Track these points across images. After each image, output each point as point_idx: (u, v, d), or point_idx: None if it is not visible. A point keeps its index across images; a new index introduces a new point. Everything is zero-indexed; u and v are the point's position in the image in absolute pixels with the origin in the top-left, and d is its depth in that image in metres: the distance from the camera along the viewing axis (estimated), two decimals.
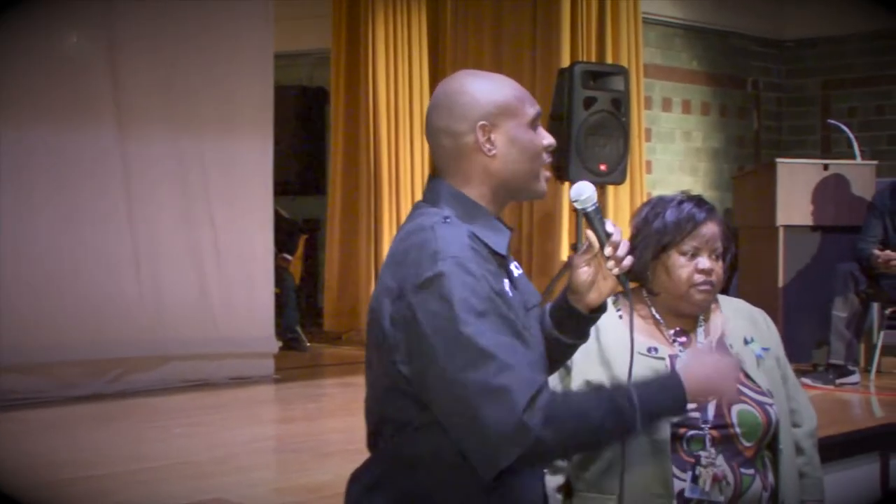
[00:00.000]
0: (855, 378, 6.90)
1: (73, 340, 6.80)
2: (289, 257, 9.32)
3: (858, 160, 8.34)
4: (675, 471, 2.70)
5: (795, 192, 7.46)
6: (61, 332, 6.77)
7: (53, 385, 6.72)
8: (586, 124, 7.37)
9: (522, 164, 2.23)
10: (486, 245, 2.18)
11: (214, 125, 7.46)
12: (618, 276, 2.27)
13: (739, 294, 7.87)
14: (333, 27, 9.21)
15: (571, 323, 2.34)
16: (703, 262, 2.79)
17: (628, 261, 2.26)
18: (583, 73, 7.47)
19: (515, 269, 2.31)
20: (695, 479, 2.70)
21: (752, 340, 2.86)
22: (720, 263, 2.83)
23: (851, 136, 8.62)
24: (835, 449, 4.96)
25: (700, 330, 2.86)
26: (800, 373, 7.18)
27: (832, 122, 9.43)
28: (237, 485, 4.65)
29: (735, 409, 2.74)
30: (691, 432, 2.71)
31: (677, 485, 2.70)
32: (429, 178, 2.31)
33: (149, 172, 7.17)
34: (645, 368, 2.73)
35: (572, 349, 2.41)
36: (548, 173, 2.31)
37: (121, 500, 4.45)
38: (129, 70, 7.10)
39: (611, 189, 8.32)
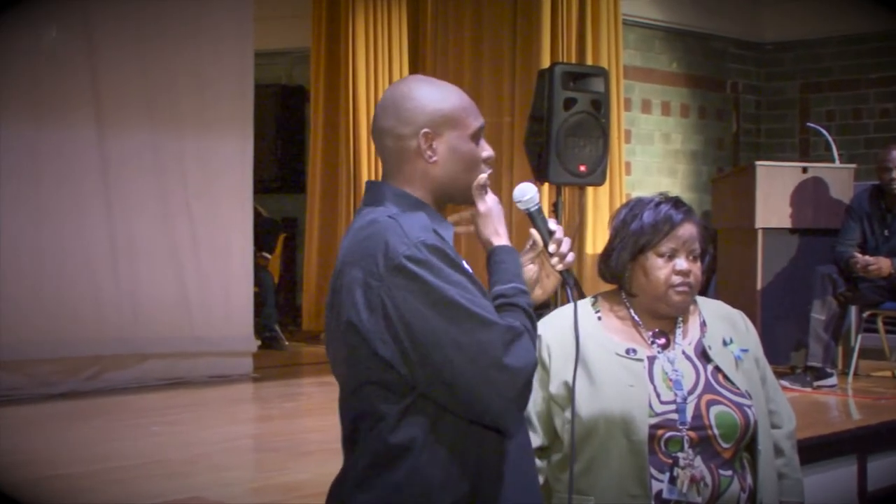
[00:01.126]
0: (832, 381, 6.92)
1: (49, 337, 6.76)
2: (268, 256, 9.30)
3: (837, 163, 8.37)
4: (653, 472, 2.70)
5: (774, 194, 7.48)
6: (37, 329, 6.74)
7: (29, 382, 6.69)
8: (566, 125, 7.36)
9: (461, 173, 2.31)
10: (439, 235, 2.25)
11: (194, 123, 7.44)
12: (562, 272, 2.36)
13: (718, 296, 7.89)
14: (313, 26, 9.20)
15: None
16: (681, 263, 2.79)
17: (571, 257, 2.37)
18: (563, 74, 7.47)
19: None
20: (672, 480, 2.70)
21: (731, 342, 2.86)
22: (698, 265, 2.83)
23: (830, 139, 8.66)
24: (812, 451, 4.97)
25: (678, 331, 2.85)
26: (778, 375, 7.13)
27: (811, 124, 9.46)
28: (214, 484, 4.62)
29: (713, 410, 2.74)
30: (669, 433, 2.71)
31: (655, 486, 2.70)
32: (367, 183, 2.41)
33: (128, 170, 7.14)
34: (622, 369, 2.76)
35: None
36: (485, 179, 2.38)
37: (96, 498, 4.42)
38: (108, 67, 7.07)
39: (590, 190, 8.32)
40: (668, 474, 2.70)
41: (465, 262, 2.29)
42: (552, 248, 2.35)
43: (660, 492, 2.70)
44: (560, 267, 2.35)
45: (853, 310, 7.27)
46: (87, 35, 7.01)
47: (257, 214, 8.23)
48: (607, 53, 8.60)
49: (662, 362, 2.79)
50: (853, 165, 8.10)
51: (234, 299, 7.60)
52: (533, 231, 2.37)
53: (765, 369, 2.93)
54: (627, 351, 2.80)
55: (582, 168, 7.44)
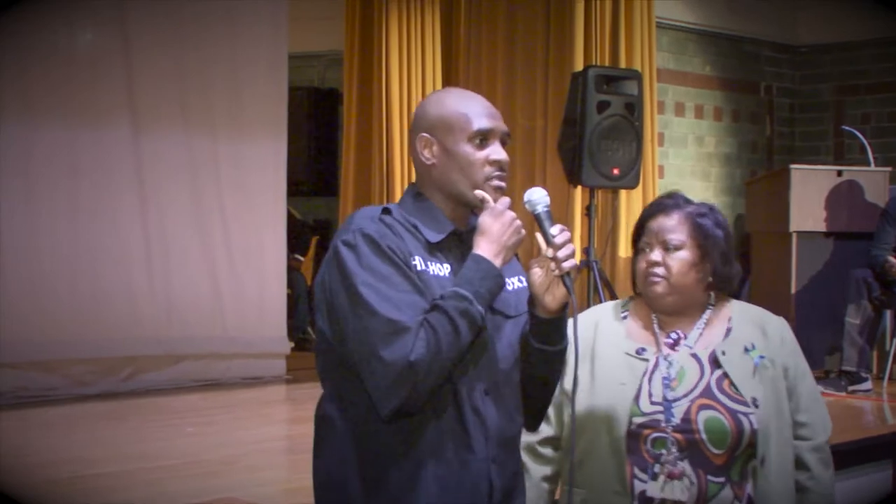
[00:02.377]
0: (867, 385, 6.88)
1: (85, 338, 6.82)
2: (300, 258, 9.33)
3: (872, 166, 8.32)
4: (637, 471, 2.73)
5: (808, 198, 7.45)
6: (74, 330, 6.80)
7: (65, 382, 6.74)
8: (599, 128, 7.35)
9: (454, 174, 2.41)
10: (416, 229, 2.38)
11: (228, 125, 7.48)
12: (561, 278, 2.36)
13: (751, 300, 7.85)
14: (346, 29, 9.20)
15: (541, 329, 2.41)
16: (652, 254, 2.82)
17: (569, 263, 2.35)
18: (596, 76, 7.46)
19: (518, 282, 2.48)
20: (654, 476, 2.72)
21: (754, 348, 2.83)
22: (677, 255, 2.81)
23: (865, 142, 8.60)
24: (847, 456, 4.95)
25: (696, 332, 2.85)
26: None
27: (846, 127, 9.41)
28: (249, 484, 4.65)
29: (702, 414, 2.73)
30: (655, 434, 2.74)
31: (639, 485, 2.73)
32: None
33: (162, 172, 7.19)
34: (624, 368, 2.80)
35: (554, 356, 2.45)
36: (497, 183, 2.42)
37: (131, 498, 4.45)
38: (143, 69, 7.12)
39: (623, 193, 8.31)
40: (650, 472, 2.73)
41: (412, 258, 2.37)
42: (549, 252, 2.36)
43: (643, 491, 2.73)
44: (556, 272, 2.35)
45: (888, 314, 7.23)
46: (122, 37, 7.06)
47: (290, 217, 8.26)
48: (640, 56, 8.58)
49: (663, 363, 2.81)
50: (888, 168, 8.05)
51: (268, 301, 7.64)
52: (538, 235, 2.40)
53: (797, 380, 2.88)
54: (637, 350, 2.83)
55: (615, 171, 7.43)
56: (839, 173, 7.63)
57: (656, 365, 2.80)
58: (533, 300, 2.39)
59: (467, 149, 2.40)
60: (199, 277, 7.33)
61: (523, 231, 2.39)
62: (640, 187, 8.14)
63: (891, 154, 9.85)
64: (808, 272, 7.43)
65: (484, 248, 2.35)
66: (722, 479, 2.73)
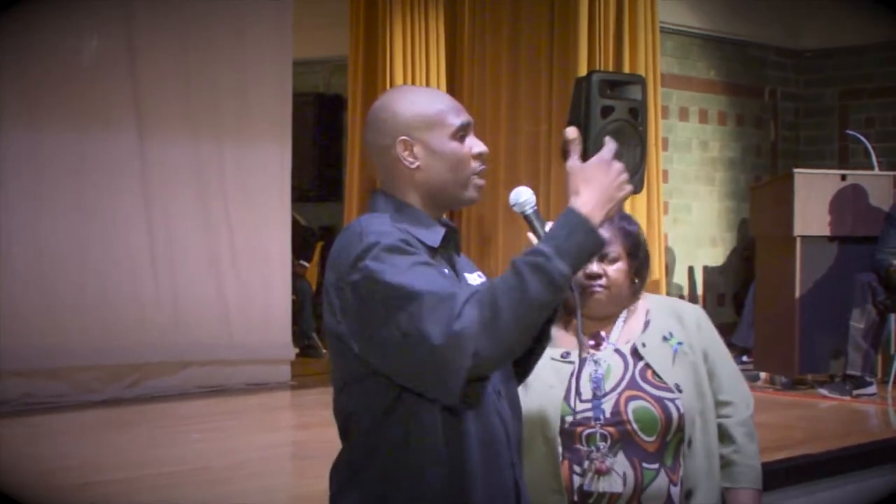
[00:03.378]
0: (872, 389, 6.88)
1: (91, 345, 6.83)
2: (305, 264, 9.34)
3: (876, 170, 8.32)
4: (574, 466, 2.82)
5: (813, 202, 7.44)
6: (80, 337, 6.81)
7: (71, 389, 6.76)
8: (603, 133, 7.35)
9: (446, 173, 2.31)
10: (416, 238, 2.25)
11: (233, 131, 7.49)
12: None
13: (757, 304, 7.85)
14: (351, 34, 9.21)
15: None
16: (590, 267, 2.89)
17: None
18: (600, 81, 7.38)
19: (478, 278, 2.38)
20: (583, 472, 2.81)
21: (672, 336, 2.94)
22: (614, 267, 2.91)
23: (869, 146, 8.60)
24: (851, 460, 4.95)
25: (616, 330, 2.95)
26: (817, 383, 7.18)
27: (850, 132, 9.40)
28: (255, 490, 4.66)
29: (631, 405, 2.84)
30: (587, 430, 2.82)
31: (577, 480, 2.82)
32: (371, 193, 2.41)
33: (168, 178, 7.20)
34: (552, 372, 2.87)
35: (534, 353, 2.43)
36: (480, 181, 2.36)
37: None
38: (149, 75, 7.14)
39: (628, 198, 8.30)
40: (583, 468, 2.82)
41: (478, 274, 2.33)
42: None
43: (581, 485, 2.82)
44: None
45: (893, 318, 7.22)
46: (128, 43, 7.08)
47: (295, 223, 8.27)
48: (645, 61, 8.58)
49: (589, 363, 2.90)
50: (893, 173, 8.04)
51: (273, 307, 7.65)
52: (530, 234, 2.36)
53: (715, 362, 2.98)
54: (563, 354, 2.91)
55: None
56: (843, 177, 7.62)
57: (582, 365, 2.88)
58: None
59: (454, 145, 2.32)
60: (204, 283, 7.34)
61: (629, 187, 2.24)
62: (644, 192, 8.13)
63: (894, 158, 9.85)
64: (813, 276, 7.42)
65: (585, 198, 2.17)
66: (656, 466, 2.83)
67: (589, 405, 2.84)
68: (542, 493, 2.79)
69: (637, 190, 8.83)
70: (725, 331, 8.99)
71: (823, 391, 6.82)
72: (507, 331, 2.09)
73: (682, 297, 9.60)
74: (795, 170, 7.65)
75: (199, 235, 7.33)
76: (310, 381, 7.73)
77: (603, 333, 2.95)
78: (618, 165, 2.24)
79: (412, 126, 2.32)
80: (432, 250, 2.29)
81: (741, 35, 10.27)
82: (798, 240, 7.39)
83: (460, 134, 2.33)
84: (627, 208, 8.43)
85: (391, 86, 8.81)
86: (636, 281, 2.96)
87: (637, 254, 2.95)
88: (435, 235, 2.31)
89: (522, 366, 2.46)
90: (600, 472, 2.79)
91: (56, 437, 5.97)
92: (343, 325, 2.21)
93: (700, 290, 9.96)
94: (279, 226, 7.74)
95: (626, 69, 8.44)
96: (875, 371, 7.11)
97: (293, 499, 4.71)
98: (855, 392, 6.81)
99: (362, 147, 9.44)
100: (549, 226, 2.34)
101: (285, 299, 7.80)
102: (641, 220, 8.35)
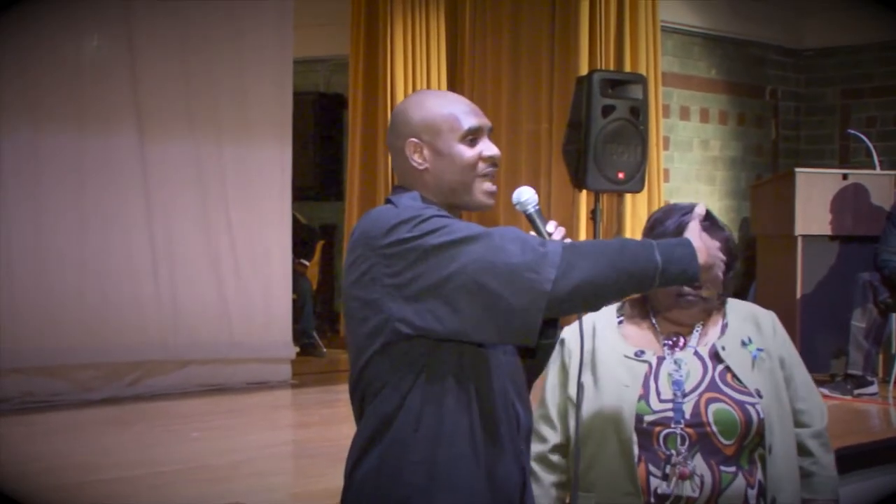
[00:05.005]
0: (873, 389, 6.88)
1: (91, 343, 6.82)
2: (306, 263, 9.33)
3: (877, 170, 8.31)
4: (651, 468, 2.78)
5: (814, 201, 7.44)
6: (79, 335, 6.80)
7: (70, 388, 6.75)
8: (604, 132, 7.35)
9: (452, 176, 2.36)
10: None
11: (233, 130, 7.48)
12: None
13: (757, 304, 7.83)
14: (352, 34, 9.22)
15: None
16: None
17: None
18: (601, 81, 7.46)
19: None
20: (665, 476, 2.77)
21: (751, 342, 2.91)
22: None
23: (870, 145, 8.60)
24: (853, 460, 4.94)
25: (696, 334, 2.91)
26: (817, 383, 7.15)
27: (852, 131, 9.40)
28: (254, 489, 4.65)
29: (711, 407, 2.80)
30: (666, 431, 2.78)
31: (654, 482, 2.77)
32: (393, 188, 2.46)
33: (168, 177, 7.20)
34: (625, 370, 2.83)
35: (549, 348, 2.48)
36: (488, 184, 2.38)
37: (137, 503, 4.46)
38: (149, 75, 7.13)
39: (628, 197, 8.30)
40: (662, 471, 2.78)
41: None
42: None
43: (657, 488, 2.77)
44: None
45: (894, 317, 7.22)
46: (128, 44, 7.07)
47: (295, 221, 8.26)
48: (646, 60, 8.58)
49: (668, 363, 2.86)
50: (894, 172, 8.04)
51: (274, 306, 7.64)
52: (532, 234, 2.37)
53: (792, 369, 2.96)
54: (636, 353, 2.87)
55: (620, 175, 7.43)
56: (845, 177, 7.62)
57: (660, 365, 2.84)
58: None
59: (460, 148, 2.36)
60: (204, 282, 7.33)
61: (720, 274, 2.40)
62: (645, 191, 8.14)
63: None
64: (814, 276, 7.42)
65: (699, 243, 2.30)
66: (733, 469, 2.79)
67: (669, 405, 2.79)
68: (613, 495, 2.77)
69: (638, 189, 8.88)
70: None
71: (824, 391, 6.81)
72: (592, 271, 2.17)
73: None
74: (797, 169, 7.66)
75: (199, 234, 7.33)
76: (310, 380, 7.73)
77: (682, 336, 2.91)
78: (718, 252, 2.35)
79: (421, 128, 2.37)
80: None
81: (742, 34, 10.26)
82: (799, 239, 7.39)
83: (470, 137, 2.37)
84: (628, 207, 8.43)
85: (392, 85, 8.83)
86: (725, 290, 2.93)
87: (732, 265, 2.89)
88: None
89: (535, 362, 2.50)
90: (683, 477, 2.76)
91: (55, 435, 5.96)
92: (375, 294, 2.25)
93: None
94: (279, 224, 7.74)
95: (627, 68, 8.44)
96: (876, 370, 7.11)
97: (293, 497, 4.70)
98: (856, 391, 6.81)
99: (363, 146, 9.50)
100: (550, 224, 2.35)
101: (286, 298, 7.79)
102: (642, 220, 8.34)
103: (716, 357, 2.87)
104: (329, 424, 6.39)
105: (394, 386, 2.28)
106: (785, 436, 2.87)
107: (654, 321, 2.92)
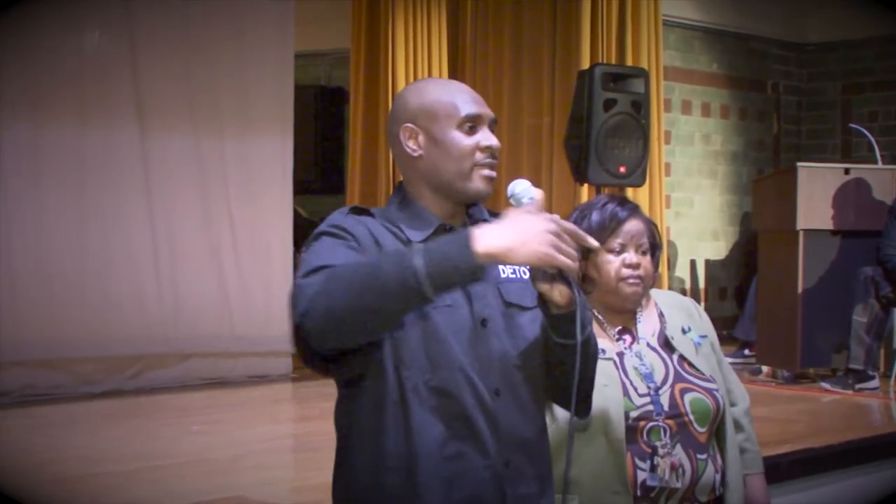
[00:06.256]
0: (874, 383, 6.87)
1: (92, 337, 6.83)
2: None
3: (879, 164, 8.30)
4: (637, 461, 2.79)
5: (816, 196, 7.42)
6: (81, 329, 6.81)
7: (72, 381, 6.75)
8: (606, 126, 7.35)
9: (447, 163, 2.28)
10: (401, 231, 2.26)
11: (235, 124, 7.49)
12: (560, 273, 2.19)
13: (759, 298, 7.84)
14: (353, 27, 9.21)
15: (559, 325, 2.25)
16: (630, 256, 2.87)
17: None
18: (603, 75, 7.45)
19: (523, 273, 2.31)
20: (653, 468, 2.78)
21: (690, 329, 2.96)
22: (647, 258, 2.90)
23: (872, 139, 8.59)
24: (854, 454, 4.94)
25: (640, 325, 2.93)
26: (819, 377, 7.18)
27: (854, 126, 9.39)
28: (255, 483, 4.65)
29: (687, 397, 2.84)
30: (650, 424, 2.80)
31: (640, 475, 2.79)
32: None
33: (169, 171, 7.20)
34: (598, 371, 2.68)
35: (569, 349, 2.26)
36: (485, 172, 2.29)
37: (138, 496, 4.46)
38: (150, 69, 7.13)
39: (630, 191, 8.28)
40: (649, 463, 2.79)
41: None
42: None
43: (644, 480, 2.78)
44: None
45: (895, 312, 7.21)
46: (129, 38, 7.07)
47: (297, 215, 8.26)
48: (647, 54, 8.58)
49: (631, 358, 2.87)
50: None
51: (274, 300, 7.63)
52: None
53: (719, 352, 3.05)
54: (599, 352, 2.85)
55: (622, 169, 7.42)
56: (846, 171, 7.60)
57: (623, 360, 2.86)
58: (542, 298, 2.23)
59: (457, 135, 2.27)
60: (205, 276, 7.34)
61: (574, 262, 2.10)
62: (646, 185, 8.13)
63: None
64: (816, 270, 7.40)
65: (489, 228, 2.06)
66: (705, 456, 2.85)
67: (647, 399, 2.81)
68: (602, 494, 2.76)
69: (639, 183, 8.86)
70: (727, 325, 9.00)
71: (826, 385, 6.81)
72: (339, 300, 2.06)
73: (684, 291, 9.59)
74: (798, 163, 7.63)
75: (200, 228, 7.33)
76: (311, 374, 7.68)
77: (629, 329, 2.92)
78: (550, 224, 2.07)
79: (418, 115, 2.29)
80: (413, 244, 2.18)
81: (744, 28, 10.26)
82: (801, 234, 7.37)
83: (468, 125, 2.28)
84: None
85: (393, 78, 8.81)
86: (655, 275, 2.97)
87: (659, 246, 2.95)
88: (423, 231, 2.27)
89: (585, 399, 2.41)
90: (674, 468, 2.79)
91: (56, 428, 5.96)
92: None
93: (702, 284, 9.95)
94: (281, 218, 7.74)
95: (629, 62, 8.43)
96: (878, 365, 7.10)
97: (294, 491, 4.70)
98: (857, 386, 6.80)
99: (364, 140, 9.49)
100: (535, 191, 2.28)
101: (287, 292, 7.77)
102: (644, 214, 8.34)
103: (667, 346, 2.91)
104: (329, 418, 6.36)
105: (341, 395, 2.35)
106: (728, 417, 2.95)
107: (596, 314, 2.89)
